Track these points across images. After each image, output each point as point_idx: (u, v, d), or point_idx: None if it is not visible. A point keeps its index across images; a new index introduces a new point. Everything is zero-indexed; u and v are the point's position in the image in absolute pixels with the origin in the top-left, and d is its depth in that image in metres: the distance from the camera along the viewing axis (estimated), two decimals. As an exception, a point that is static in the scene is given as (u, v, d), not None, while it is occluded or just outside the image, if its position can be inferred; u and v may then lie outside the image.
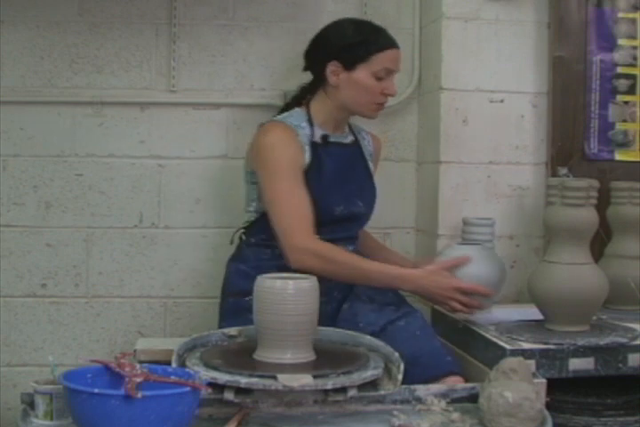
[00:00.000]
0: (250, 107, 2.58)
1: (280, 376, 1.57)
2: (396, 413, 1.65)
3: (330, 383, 1.59)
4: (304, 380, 1.57)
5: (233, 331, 1.91)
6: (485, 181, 2.49)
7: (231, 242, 2.28)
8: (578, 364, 1.96)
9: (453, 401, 1.73)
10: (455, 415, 1.65)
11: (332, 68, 2.17)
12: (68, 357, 2.55)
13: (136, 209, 2.57)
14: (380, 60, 2.15)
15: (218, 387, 1.57)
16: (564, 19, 2.46)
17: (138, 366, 1.48)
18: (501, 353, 1.91)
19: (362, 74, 2.16)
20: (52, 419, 1.55)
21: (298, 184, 2.08)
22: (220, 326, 2.11)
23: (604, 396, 2.04)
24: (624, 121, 2.50)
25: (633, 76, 2.49)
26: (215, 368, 1.63)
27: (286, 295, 1.70)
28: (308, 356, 1.72)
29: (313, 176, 2.14)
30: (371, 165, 2.32)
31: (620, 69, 2.49)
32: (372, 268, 2.05)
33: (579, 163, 2.48)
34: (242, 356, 1.74)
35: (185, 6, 2.56)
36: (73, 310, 2.58)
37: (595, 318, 2.15)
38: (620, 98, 2.49)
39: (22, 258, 2.55)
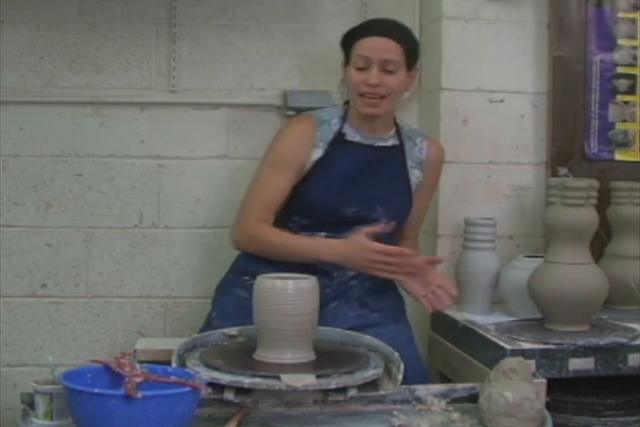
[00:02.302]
0: (250, 107, 2.58)
1: (284, 376, 1.57)
2: (396, 413, 1.65)
3: (333, 383, 1.59)
4: (307, 380, 1.57)
5: (233, 331, 1.90)
6: (485, 181, 2.49)
7: None
8: (578, 364, 1.96)
9: (453, 401, 1.73)
10: (455, 415, 1.65)
11: (342, 68, 2.21)
12: (68, 357, 2.55)
13: (136, 209, 2.57)
14: (356, 49, 2.13)
15: (218, 387, 1.57)
16: (564, 19, 2.46)
17: (138, 366, 1.48)
18: (501, 353, 1.92)
19: (350, 68, 2.16)
20: (52, 419, 1.55)
21: (282, 175, 2.13)
22: (213, 299, 2.19)
23: (603, 396, 2.04)
24: (624, 121, 2.50)
25: (633, 76, 2.49)
26: (215, 368, 1.63)
27: (286, 295, 1.70)
28: (308, 356, 1.72)
29: (321, 172, 2.14)
30: (416, 172, 2.24)
31: (619, 69, 2.49)
32: (298, 243, 2.08)
33: (579, 163, 2.48)
34: (242, 356, 1.74)
35: (185, 6, 2.56)
36: (73, 310, 2.58)
37: (595, 318, 2.15)
38: (619, 98, 2.49)
39: (22, 258, 2.55)
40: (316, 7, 2.60)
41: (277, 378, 1.58)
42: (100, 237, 2.57)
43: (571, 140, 2.48)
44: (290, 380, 1.56)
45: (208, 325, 2.14)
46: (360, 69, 2.12)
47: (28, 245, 2.55)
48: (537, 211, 2.48)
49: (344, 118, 2.21)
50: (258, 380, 1.58)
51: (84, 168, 2.56)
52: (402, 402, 1.71)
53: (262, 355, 1.71)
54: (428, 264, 2.05)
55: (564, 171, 2.45)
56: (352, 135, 2.20)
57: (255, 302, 1.74)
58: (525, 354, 1.90)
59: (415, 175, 2.24)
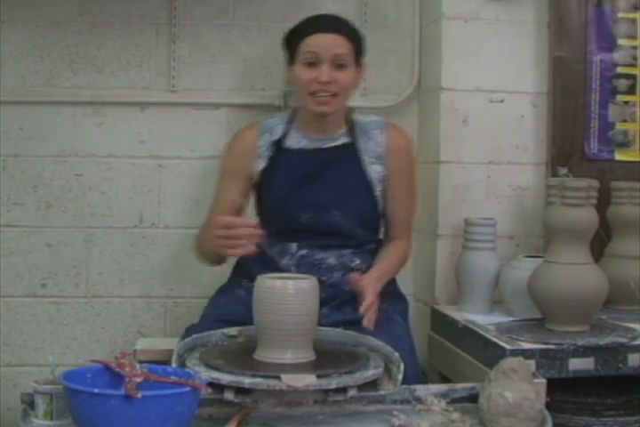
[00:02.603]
0: (250, 107, 2.58)
1: (284, 376, 1.57)
2: (396, 413, 1.65)
3: (333, 383, 1.59)
4: (308, 380, 1.57)
5: (233, 331, 1.91)
6: (485, 181, 2.49)
7: None
8: (578, 364, 1.96)
9: (453, 401, 1.72)
10: (455, 415, 1.65)
11: (286, 69, 2.18)
12: (68, 357, 2.55)
13: (136, 209, 2.57)
14: (304, 46, 2.08)
15: (218, 387, 1.57)
16: (564, 19, 2.46)
17: (138, 366, 1.48)
18: (501, 353, 1.92)
19: (297, 66, 2.10)
20: (52, 419, 1.55)
21: (231, 186, 2.17)
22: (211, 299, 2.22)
23: (603, 396, 2.04)
24: (624, 121, 2.50)
25: (633, 76, 2.49)
26: (215, 368, 1.63)
27: (286, 295, 1.70)
28: (308, 356, 1.72)
29: (267, 183, 2.16)
30: (376, 168, 2.17)
31: (619, 69, 2.49)
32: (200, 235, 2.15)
33: (579, 163, 2.48)
34: (242, 356, 1.74)
35: (185, 6, 2.56)
36: (73, 310, 2.58)
37: (595, 318, 2.15)
38: (620, 98, 2.49)
39: (22, 258, 2.56)
40: (315, 7, 2.60)
41: (278, 378, 1.58)
42: (99, 237, 2.57)
43: (571, 140, 2.48)
44: (290, 380, 1.56)
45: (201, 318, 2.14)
46: (309, 66, 2.07)
47: (27, 245, 2.55)
48: (537, 211, 2.48)
49: (290, 122, 2.19)
50: (258, 380, 1.58)
51: (84, 168, 2.56)
52: (402, 402, 1.71)
53: (262, 355, 1.71)
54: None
55: (563, 171, 2.45)
56: (297, 140, 2.17)
57: (255, 302, 1.74)
58: (525, 354, 1.90)
59: (376, 171, 2.17)
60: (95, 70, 2.54)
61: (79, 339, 2.58)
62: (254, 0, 2.58)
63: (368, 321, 1.90)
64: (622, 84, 2.49)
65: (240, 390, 1.60)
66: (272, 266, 2.12)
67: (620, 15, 2.48)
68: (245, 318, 1.93)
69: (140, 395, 1.35)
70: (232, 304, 2.10)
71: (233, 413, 1.60)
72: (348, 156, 2.17)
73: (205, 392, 1.49)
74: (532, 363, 1.90)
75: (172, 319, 2.60)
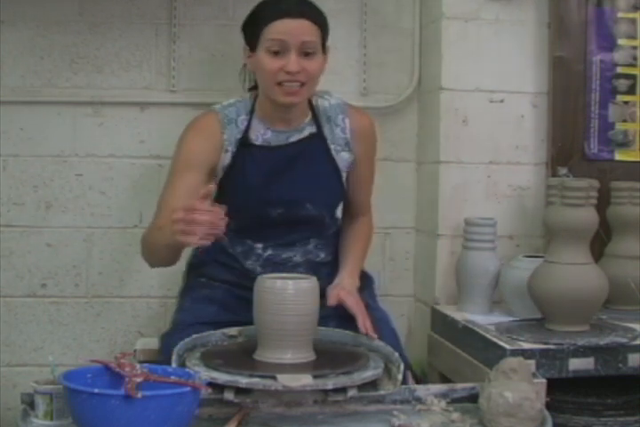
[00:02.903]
0: (250, 107, 2.58)
1: (280, 377, 1.57)
2: (396, 413, 1.65)
3: (330, 383, 1.59)
4: (304, 380, 1.57)
5: (233, 331, 1.91)
6: (485, 181, 2.49)
7: None
8: (578, 364, 1.96)
9: (453, 401, 1.73)
10: (455, 415, 1.65)
11: (245, 53, 2.04)
12: (68, 357, 2.55)
13: (136, 209, 2.57)
14: (269, 32, 1.94)
15: (218, 387, 1.57)
16: (564, 19, 2.46)
17: (138, 366, 1.48)
18: (501, 353, 1.92)
19: (261, 53, 1.96)
20: (52, 419, 1.55)
21: (190, 178, 1.96)
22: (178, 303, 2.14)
23: (604, 396, 2.04)
24: (624, 121, 2.50)
25: (633, 76, 2.49)
26: (215, 368, 1.63)
27: (286, 295, 1.70)
28: (308, 356, 1.72)
29: (234, 178, 2.04)
30: (344, 155, 2.11)
31: (619, 69, 2.49)
32: (148, 232, 1.93)
33: (579, 163, 2.48)
34: (242, 356, 1.74)
35: (185, 6, 2.56)
36: (73, 310, 2.58)
37: (595, 318, 2.15)
38: (620, 98, 2.49)
39: (22, 258, 2.55)
40: (315, 7, 2.60)
41: (274, 378, 1.58)
42: (99, 237, 2.57)
43: (571, 140, 2.48)
44: (286, 380, 1.56)
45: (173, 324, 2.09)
46: (275, 55, 1.94)
47: (27, 245, 2.55)
48: (537, 211, 2.48)
49: (252, 112, 2.06)
50: (255, 380, 1.58)
51: (84, 168, 2.56)
52: (402, 402, 1.71)
53: (262, 355, 1.72)
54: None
55: (563, 171, 2.45)
56: (262, 133, 2.06)
57: (255, 302, 1.74)
58: (525, 354, 1.90)
59: (344, 158, 2.11)
60: (95, 70, 2.54)
61: (79, 339, 2.58)
62: (254, 0, 2.57)
63: (371, 334, 1.90)
64: (622, 84, 2.49)
65: (240, 391, 1.60)
66: (236, 266, 2.10)
67: (620, 15, 2.48)
68: (218, 317, 1.96)
69: (139, 395, 1.35)
70: (200, 305, 2.04)
71: (233, 413, 1.60)
72: (316, 147, 2.09)
73: (205, 392, 1.49)
74: (532, 363, 1.90)
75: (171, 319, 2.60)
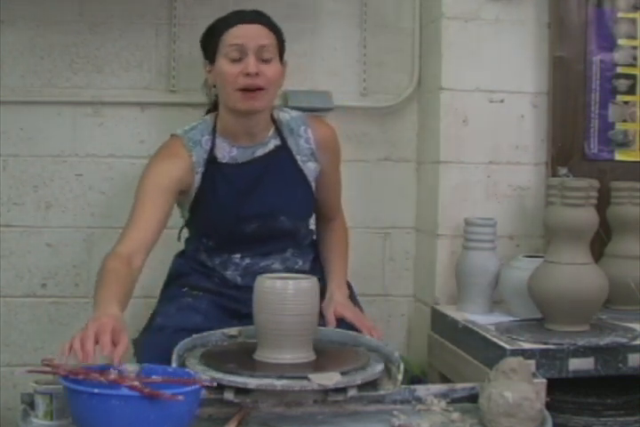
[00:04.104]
0: (250, 107, 2.58)
1: (312, 376, 1.58)
2: (396, 413, 1.65)
3: (332, 383, 1.59)
4: (335, 378, 1.58)
5: (233, 331, 1.91)
6: (485, 181, 2.49)
7: (178, 239, 2.26)
8: (578, 364, 1.96)
9: (453, 401, 1.73)
10: (455, 415, 1.65)
11: (206, 68, 2.09)
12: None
13: (136, 209, 2.57)
14: (227, 39, 1.99)
15: (218, 387, 1.57)
16: (564, 19, 2.46)
17: (128, 370, 1.48)
18: (501, 353, 1.92)
19: (220, 61, 2.00)
20: (52, 419, 1.55)
21: (155, 205, 1.97)
22: (157, 311, 2.12)
23: (604, 396, 2.04)
24: (624, 121, 2.50)
25: (633, 76, 2.49)
26: (215, 368, 1.63)
27: (286, 295, 1.70)
28: (308, 356, 1.72)
29: (206, 198, 2.06)
30: (311, 165, 2.13)
31: (620, 69, 2.49)
32: (98, 293, 1.84)
33: (579, 163, 2.48)
34: (242, 356, 1.74)
35: (185, 6, 2.56)
36: (73, 310, 2.58)
37: (595, 318, 2.15)
38: (620, 98, 2.49)
39: (22, 258, 2.55)
40: (316, 7, 2.60)
41: (275, 378, 1.58)
42: (99, 237, 2.56)
43: (571, 140, 2.48)
44: (319, 379, 1.57)
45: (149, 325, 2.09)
46: (234, 61, 1.98)
47: (27, 245, 2.55)
48: (537, 211, 2.48)
49: (214, 131, 2.09)
50: (257, 380, 1.58)
51: (84, 168, 2.56)
52: (402, 402, 1.71)
53: (262, 355, 1.72)
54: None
55: (563, 171, 2.45)
56: (227, 151, 2.09)
57: (255, 302, 1.74)
58: (525, 354, 1.90)
59: (311, 169, 2.14)
60: (95, 70, 2.54)
61: (79, 339, 2.58)
62: (254, 0, 2.57)
63: (378, 337, 1.97)
64: (622, 84, 2.49)
65: (240, 390, 1.60)
66: (216, 276, 2.13)
67: (620, 15, 2.48)
68: (202, 326, 1.94)
69: (147, 390, 1.36)
70: (185, 313, 2.04)
71: (233, 413, 1.60)
72: (283, 159, 2.11)
73: (205, 392, 1.49)
74: (532, 363, 1.90)
75: (172, 319, 2.60)
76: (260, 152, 2.11)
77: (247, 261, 2.13)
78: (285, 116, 2.16)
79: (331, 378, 1.58)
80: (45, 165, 2.54)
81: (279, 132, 2.12)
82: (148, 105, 2.56)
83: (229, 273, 2.13)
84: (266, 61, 1.99)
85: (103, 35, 2.53)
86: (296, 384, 1.57)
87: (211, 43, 2.05)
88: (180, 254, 2.26)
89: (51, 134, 2.54)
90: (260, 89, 1.99)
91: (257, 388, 1.57)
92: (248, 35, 1.98)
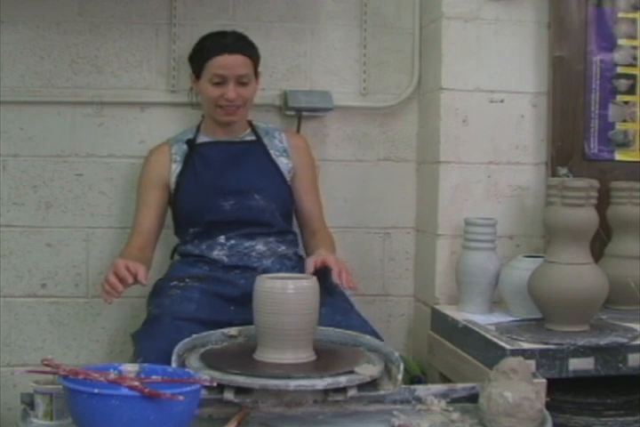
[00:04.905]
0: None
1: (357, 368, 1.63)
2: (395, 413, 1.65)
3: (331, 383, 1.59)
4: (374, 369, 1.66)
5: (233, 331, 1.91)
6: (485, 181, 2.49)
7: (171, 257, 2.45)
8: (578, 364, 1.96)
9: (453, 401, 1.73)
10: (455, 415, 1.65)
11: (192, 79, 2.35)
12: (68, 357, 2.55)
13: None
14: (210, 67, 2.26)
15: (218, 387, 1.57)
16: (564, 19, 2.46)
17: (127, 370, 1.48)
18: (501, 353, 1.92)
19: (203, 82, 2.30)
20: (52, 419, 1.55)
21: (146, 201, 2.32)
22: (149, 303, 2.25)
23: (604, 396, 2.04)
24: (624, 121, 2.50)
25: (633, 76, 2.49)
26: (215, 368, 1.63)
27: (286, 295, 1.70)
28: (308, 356, 1.72)
29: (187, 179, 2.30)
30: (283, 160, 2.36)
31: (619, 69, 2.49)
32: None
33: (579, 163, 2.48)
34: (242, 356, 1.74)
35: (185, 6, 2.56)
36: (73, 310, 2.58)
37: (595, 318, 2.15)
38: (620, 98, 2.49)
39: (22, 258, 2.55)
40: (316, 7, 2.60)
41: (274, 378, 1.58)
42: (99, 237, 2.57)
43: (571, 140, 2.48)
44: (364, 370, 1.63)
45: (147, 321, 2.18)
46: (216, 85, 2.27)
47: (27, 245, 2.55)
48: (537, 211, 2.48)
49: (197, 130, 2.39)
50: (258, 380, 1.58)
51: (84, 168, 2.56)
52: (402, 402, 1.72)
53: (262, 355, 1.72)
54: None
55: (563, 171, 2.45)
56: (207, 140, 2.36)
57: (255, 302, 1.74)
58: (525, 354, 1.90)
59: (284, 162, 2.36)
60: (95, 70, 2.54)
61: (79, 339, 2.58)
62: (254, 0, 2.57)
63: (348, 284, 2.05)
64: (622, 84, 2.49)
65: (240, 390, 1.60)
66: (204, 260, 2.26)
67: (620, 15, 2.48)
68: (197, 313, 2.08)
69: (147, 390, 1.36)
70: (178, 303, 2.14)
71: (233, 413, 1.61)
72: (257, 149, 2.37)
73: (205, 392, 1.49)
74: (532, 363, 1.90)
75: (172, 319, 2.60)
76: (236, 140, 2.37)
77: (232, 241, 2.27)
78: (262, 124, 2.44)
79: (373, 371, 1.65)
80: (45, 165, 2.54)
81: (255, 133, 2.39)
82: (148, 105, 2.56)
83: (215, 253, 2.27)
84: (243, 84, 2.28)
85: (103, 35, 2.53)
86: (296, 384, 1.57)
87: (197, 63, 2.30)
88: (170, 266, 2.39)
89: (51, 134, 2.54)
90: (237, 107, 2.30)
91: (258, 388, 1.57)
92: (229, 65, 2.25)
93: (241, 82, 2.27)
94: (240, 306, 2.07)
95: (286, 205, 2.35)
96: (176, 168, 2.32)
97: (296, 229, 2.41)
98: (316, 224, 2.38)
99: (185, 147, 2.34)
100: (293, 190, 2.36)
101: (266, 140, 2.38)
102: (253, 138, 2.38)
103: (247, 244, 2.27)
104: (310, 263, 2.08)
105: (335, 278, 2.04)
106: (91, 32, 2.53)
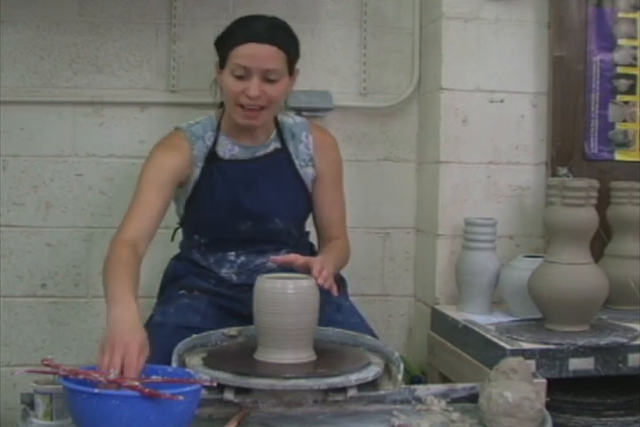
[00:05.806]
0: (250, 107, 2.58)
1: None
2: (395, 413, 1.65)
3: (331, 383, 1.59)
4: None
5: (233, 331, 1.91)
6: (485, 181, 2.49)
7: (172, 239, 2.28)
8: (578, 364, 1.96)
9: (453, 401, 1.73)
10: (455, 415, 1.65)
11: (216, 68, 2.07)
12: (68, 357, 2.55)
13: (136, 209, 2.57)
14: (234, 56, 1.97)
15: (218, 387, 1.57)
16: (564, 19, 2.46)
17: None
18: (501, 353, 1.92)
19: (226, 73, 2.00)
20: (52, 419, 1.55)
21: (155, 194, 1.99)
22: (155, 311, 2.08)
23: (604, 396, 2.04)
24: (624, 121, 2.50)
25: (633, 76, 2.49)
26: (215, 368, 1.63)
27: (286, 295, 1.70)
28: (308, 356, 1.72)
29: (203, 193, 2.08)
30: (309, 171, 2.15)
31: (619, 69, 2.49)
32: (111, 287, 1.73)
33: (579, 163, 2.48)
34: (242, 356, 1.74)
35: (185, 6, 2.56)
36: (73, 310, 2.58)
37: (595, 318, 2.15)
38: (620, 98, 2.49)
39: (22, 258, 2.55)
40: (316, 7, 2.60)
41: (274, 378, 1.58)
42: (99, 237, 2.56)
43: (571, 140, 2.48)
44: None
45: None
46: (238, 78, 1.97)
47: (27, 245, 2.55)
48: (537, 211, 2.48)
49: (218, 128, 2.11)
50: (258, 380, 1.58)
51: (84, 168, 2.56)
52: (402, 402, 1.71)
53: (262, 355, 1.72)
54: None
55: (563, 171, 2.45)
56: (229, 148, 2.10)
57: (255, 302, 1.74)
58: (525, 354, 1.90)
59: (309, 173, 2.15)
60: (95, 70, 2.54)
61: (79, 339, 2.58)
62: (254, 0, 2.57)
63: (330, 288, 1.79)
64: (622, 84, 2.49)
65: (240, 390, 1.60)
66: (212, 276, 2.12)
67: (620, 15, 2.48)
68: (201, 325, 1.94)
69: (147, 390, 1.36)
70: (184, 312, 2.02)
71: (233, 413, 1.60)
72: (282, 162, 2.13)
73: (205, 392, 1.49)
74: (531, 363, 1.90)
75: (171, 319, 2.60)
76: (260, 153, 2.13)
77: (242, 258, 2.12)
78: (289, 120, 2.18)
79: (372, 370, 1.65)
80: (45, 165, 2.54)
81: (280, 135, 2.15)
82: (148, 105, 2.56)
83: (224, 271, 2.12)
84: (271, 81, 1.99)
85: (103, 35, 2.53)
86: (297, 384, 1.57)
87: (221, 51, 2.03)
88: (176, 257, 2.25)
89: (51, 134, 2.54)
90: (260, 108, 2.00)
91: (258, 388, 1.57)
92: (255, 56, 1.95)
93: (268, 78, 1.97)
94: (246, 323, 1.91)
95: (304, 220, 2.19)
96: (195, 175, 2.08)
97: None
98: (334, 232, 2.18)
99: (206, 152, 2.08)
100: (313, 194, 2.16)
101: (291, 148, 2.13)
102: (278, 146, 2.13)
103: (258, 261, 2.11)
104: (294, 256, 1.88)
105: (314, 273, 1.79)
106: (91, 32, 2.53)
